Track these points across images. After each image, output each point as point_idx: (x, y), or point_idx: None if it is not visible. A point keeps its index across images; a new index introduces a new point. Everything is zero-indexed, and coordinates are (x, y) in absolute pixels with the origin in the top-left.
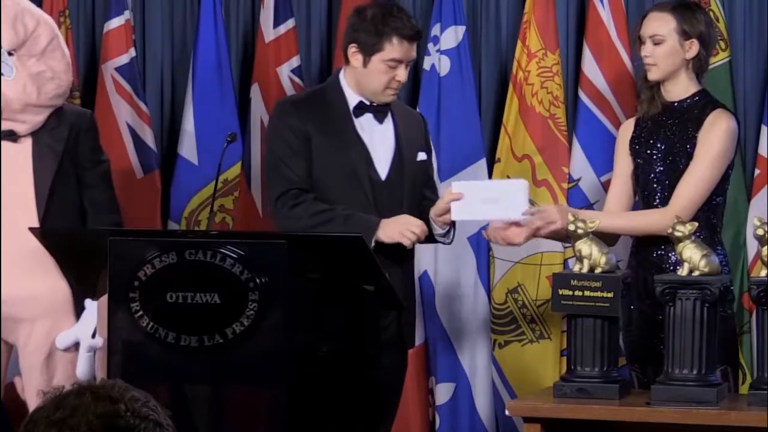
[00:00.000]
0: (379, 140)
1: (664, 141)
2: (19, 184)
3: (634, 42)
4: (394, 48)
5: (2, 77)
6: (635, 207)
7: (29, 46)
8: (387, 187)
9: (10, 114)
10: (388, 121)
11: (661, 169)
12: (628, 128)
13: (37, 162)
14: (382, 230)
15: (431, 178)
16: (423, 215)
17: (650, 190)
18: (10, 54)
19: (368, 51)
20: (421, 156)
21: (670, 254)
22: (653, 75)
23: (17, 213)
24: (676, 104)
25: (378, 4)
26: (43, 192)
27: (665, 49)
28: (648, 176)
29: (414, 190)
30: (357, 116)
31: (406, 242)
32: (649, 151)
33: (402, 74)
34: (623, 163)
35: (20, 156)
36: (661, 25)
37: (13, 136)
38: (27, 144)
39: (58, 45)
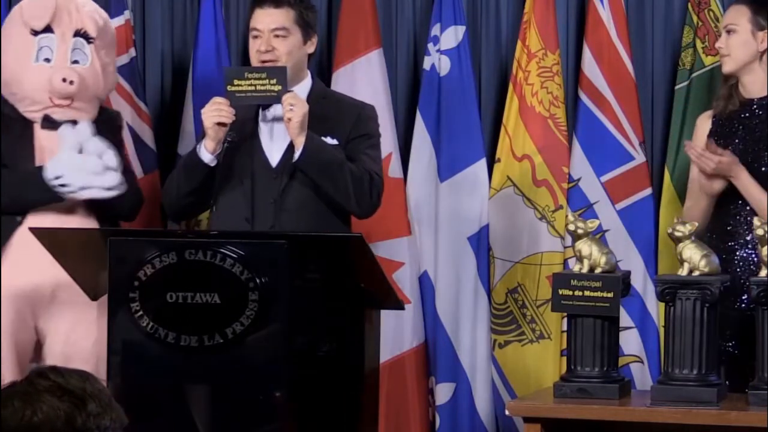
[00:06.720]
0: (281, 129)
1: (742, 139)
2: None
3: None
4: (255, 17)
5: (78, 64)
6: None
7: (102, 38)
8: (278, 174)
9: (80, 103)
10: None
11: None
12: (704, 123)
13: None
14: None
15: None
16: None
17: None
18: (89, 42)
19: (247, 27)
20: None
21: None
22: (726, 66)
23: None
24: (754, 103)
25: None
26: None
27: (737, 39)
28: None
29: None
30: (264, 108)
31: (220, 119)
32: (725, 148)
33: (262, 44)
34: None
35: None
36: (735, 15)
37: (73, 126)
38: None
39: (114, 42)
